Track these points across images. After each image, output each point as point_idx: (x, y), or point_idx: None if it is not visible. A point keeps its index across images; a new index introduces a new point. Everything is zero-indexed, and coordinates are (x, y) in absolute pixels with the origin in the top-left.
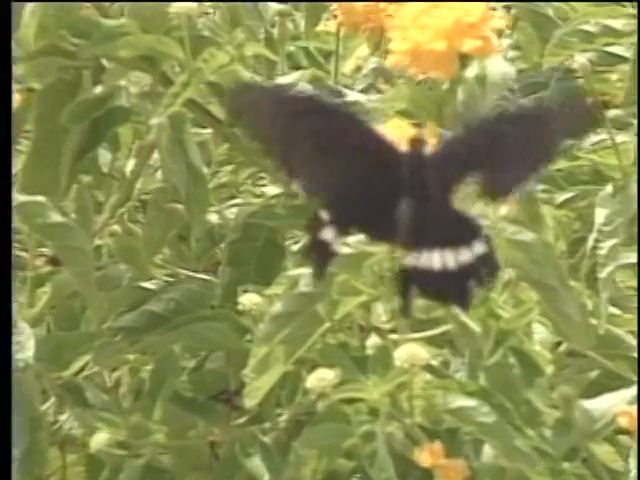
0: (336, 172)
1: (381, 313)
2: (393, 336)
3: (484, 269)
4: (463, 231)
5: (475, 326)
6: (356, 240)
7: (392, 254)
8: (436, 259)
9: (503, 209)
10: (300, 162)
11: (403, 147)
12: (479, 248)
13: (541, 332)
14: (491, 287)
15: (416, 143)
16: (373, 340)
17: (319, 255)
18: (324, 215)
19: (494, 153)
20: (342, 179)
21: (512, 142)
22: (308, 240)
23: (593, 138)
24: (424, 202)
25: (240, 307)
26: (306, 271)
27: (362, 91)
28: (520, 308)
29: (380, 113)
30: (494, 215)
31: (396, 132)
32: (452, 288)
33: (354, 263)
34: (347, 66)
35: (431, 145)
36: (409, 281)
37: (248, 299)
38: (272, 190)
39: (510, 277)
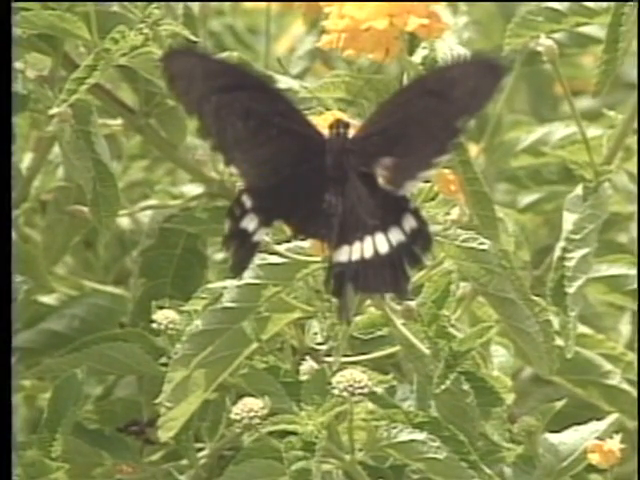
0: (262, 156)
1: (317, 333)
2: (330, 359)
3: (417, 245)
4: (390, 210)
5: (424, 347)
6: (288, 247)
7: (323, 252)
8: (367, 247)
9: (454, 212)
10: (234, 143)
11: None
12: (409, 223)
13: (500, 355)
14: (424, 266)
15: (337, 128)
16: (308, 364)
17: (238, 246)
18: (246, 201)
19: (401, 134)
20: (267, 164)
21: (416, 122)
22: (228, 228)
23: (562, 132)
24: (347, 190)
25: (154, 325)
26: (231, 283)
27: (297, 76)
28: (476, 327)
29: (316, 102)
30: (443, 219)
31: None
32: (386, 274)
33: (286, 274)
34: (280, 47)
35: (353, 129)
36: (343, 278)
37: (164, 316)
38: (192, 190)
39: (464, 291)
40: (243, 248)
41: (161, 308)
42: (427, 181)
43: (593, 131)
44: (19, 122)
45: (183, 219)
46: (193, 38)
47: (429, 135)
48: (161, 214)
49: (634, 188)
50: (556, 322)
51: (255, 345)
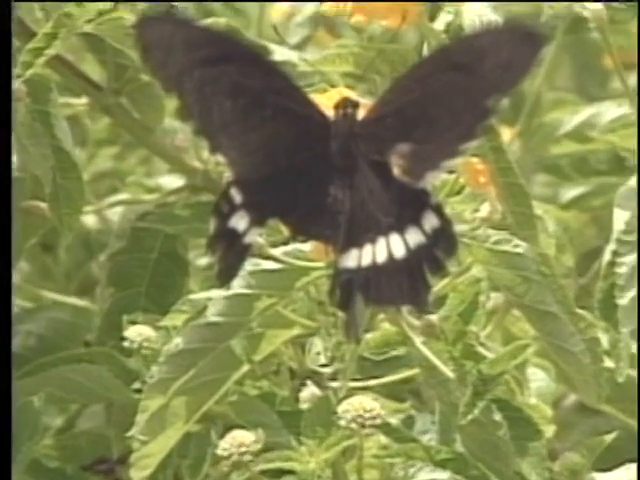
0: (255, 142)
1: (320, 353)
2: (336, 384)
3: (439, 248)
4: (407, 206)
5: (448, 370)
6: (286, 250)
7: (327, 256)
8: (380, 250)
9: (484, 209)
10: (221, 127)
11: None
12: (429, 222)
13: (539, 379)
14: (448, 273)
15: (345, 108)
16: (309, 390)
17: (226, 249)
18: (236, 196)
19: (420, 115)
20: (261, 152)
21: (439, 101)
22: (214, 227)
23: (612, 112)
24: (356, 182)
25: (126, 343)
26: (217, 294)
27: (296, 46)
28: (510, 346)
29: (319, 77)
30: (471, 217)
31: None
32: (403, 282)
33: (283, 283)
34: (275, 12)
35: (363, 109)
36: (351, 287)
37: (137, 332)
38: (170, 182)
39: (496, 303)
40: (232, 251)
41: (134, 323)
42: (451, 172)
43: None
44: None
45: (160, 217)
46: (172, 2)
47: (454, 117)
48: (133, 211)
49: None
50: (605, 340)
51: (246, 367)
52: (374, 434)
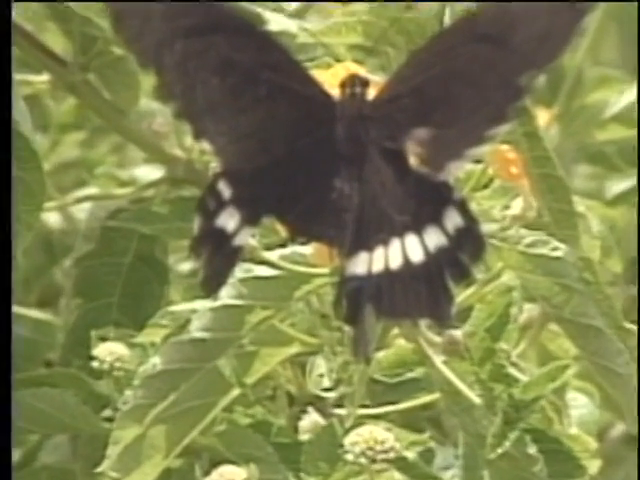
0: (246, 126)
1: (323, 374)
2: (342, 411)
3: (463, 251)
4: (426, 202)
5: (474, 395)
6: (283, 254)
7: (331, 261)
8: (394, 254)
9: (516, 205)
10: (207, 108)
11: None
12: (452, 220)
13: (581, 406)
14: (474, 280)
15: (352, 87)
16: (310, 418)
17: (213, 252)
18: (224, 190)
19: (441, 95)
20: (253, 138)
21: (463, 79)
22: (199, 227)
23: None
24: (366, 174)
25: (95, 364)
26: (202, 305)
27: (295, 14)
28: (547, 366)
29: (322, 51)
30: (501, 214)
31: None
32: (421, 291)
33: (280, 292)
34: None
35: (374, 88)
36: (360, 297)
37: (108, 350)
38: (147, 173)
39: (531, 316)
40: (219, 255)
41: (104, 340)
42: (478, 161)
43: None
44: None
45: (135, 215)
46: None
47: (481, 97)
48: (104, 208)
49: None
50: None
51: (237, 392)
52: (387, 470)
